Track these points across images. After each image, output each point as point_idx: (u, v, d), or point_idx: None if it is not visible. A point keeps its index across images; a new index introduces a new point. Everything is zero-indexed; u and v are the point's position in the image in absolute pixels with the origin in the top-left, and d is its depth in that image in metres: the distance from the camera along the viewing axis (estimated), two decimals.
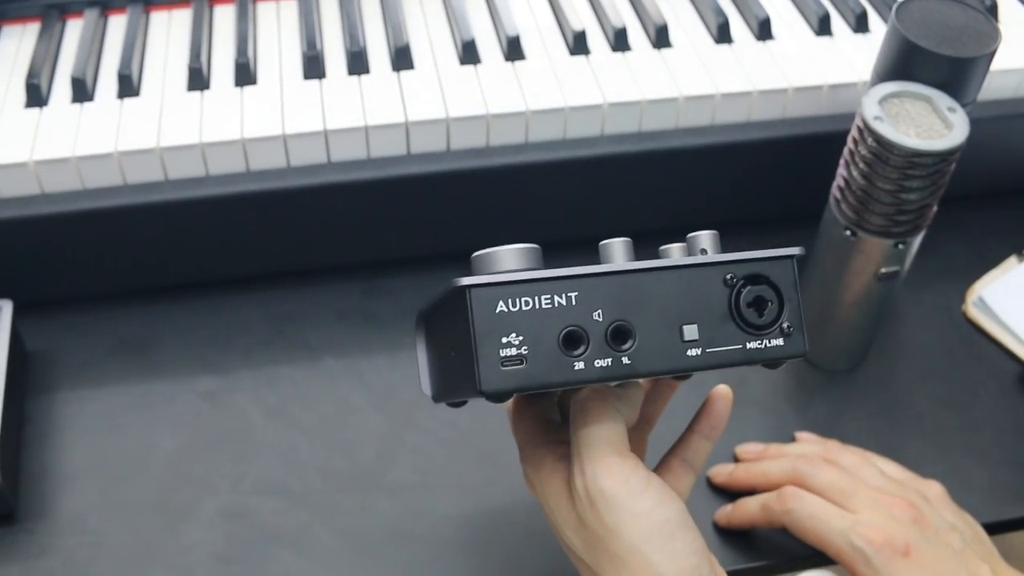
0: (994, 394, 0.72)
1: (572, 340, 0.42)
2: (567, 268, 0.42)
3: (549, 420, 0.51)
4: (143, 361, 0.72)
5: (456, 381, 0.44)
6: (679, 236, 0.46)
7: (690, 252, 0.45)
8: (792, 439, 0.68)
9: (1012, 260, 0.79)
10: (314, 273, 0.77)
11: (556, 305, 0.42)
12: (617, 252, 0.44)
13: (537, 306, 0.41)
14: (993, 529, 0.63)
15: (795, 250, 0.45)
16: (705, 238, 0.45)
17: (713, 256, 0.44)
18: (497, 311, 0.41)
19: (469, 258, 0.44)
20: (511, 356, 0.41)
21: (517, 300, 0.41)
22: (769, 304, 0.44)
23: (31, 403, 0.69)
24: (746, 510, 0.62)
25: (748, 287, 0.44)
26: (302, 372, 0.72)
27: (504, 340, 0.41)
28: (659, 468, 0.52)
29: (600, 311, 0.42)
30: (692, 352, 0.43)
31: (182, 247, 0.73)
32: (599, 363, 0.42)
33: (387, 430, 0.68)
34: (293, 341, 0.74)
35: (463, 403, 0.48)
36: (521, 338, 0.41)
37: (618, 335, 0.42)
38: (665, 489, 0.45)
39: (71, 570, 0.61)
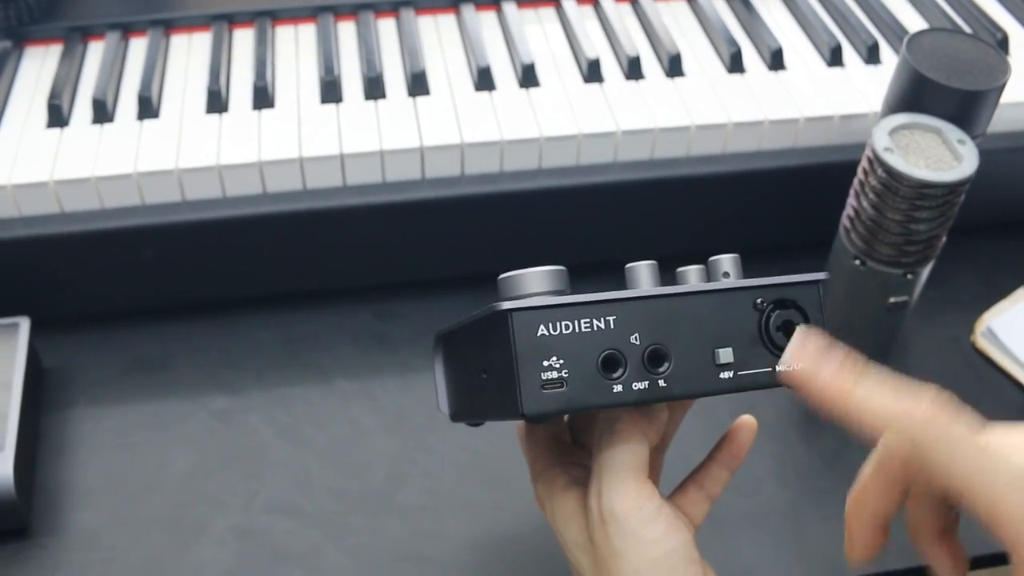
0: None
1: (611, 363, 0.42)
2: (604, 292, 0.43)
3: (560, 441, 0.52)
4: (158, 380, 0.73)
5: (486, 403, 0.45)
6: (690, 262, 0.46)
7: (711, 275, 0.46)
8: (800, 466, 0.68)
9: (1021, 291, 0.79)
10: (328, 295, 0.78)
11: (595, 329, 0.42)
12: (644, 275, 0.45)
13: (577, 330, 0.42)
14: (997, 561, 0.63)
15: (821, 275, 0.46)
16: (727, 262, 0.46)
17: (744, 281, 0.45)
18: (538, 335, 0.41)
19: (495, 280, 0.44)
20: (552, 379, 0.41)
21: (558, 324, 0.42)
22: (797, 328, 0.45)
23: (47, 419, 0.70)
24: (863, 486, 0.41)
25: (777, 311, 0.45)
26: (315, 393, 0.72)
27: (545, 363, 0.41)
28: (675, 493, 0.52)
29: (637, 335, 0.43)
30: (725, 375, 0.44)
31: (198, 267, 0.74)
32: (636, 386, 0.43)
33: (398, 452, 0.69)
34: (306, 362, 0.74)
35: (480, 423, 0.49)
36: (562, 361, 0.42)
37: (655, 358, 0.43)
38: (675, 520, 0.45)
39: None
